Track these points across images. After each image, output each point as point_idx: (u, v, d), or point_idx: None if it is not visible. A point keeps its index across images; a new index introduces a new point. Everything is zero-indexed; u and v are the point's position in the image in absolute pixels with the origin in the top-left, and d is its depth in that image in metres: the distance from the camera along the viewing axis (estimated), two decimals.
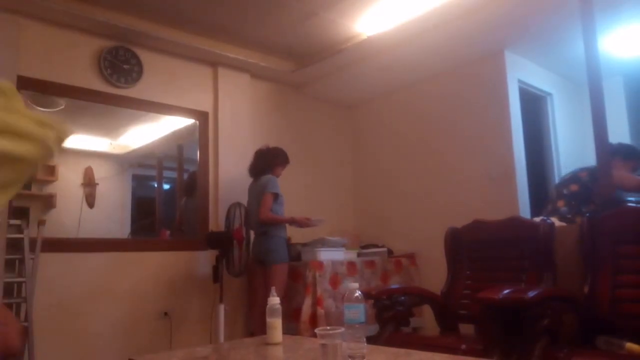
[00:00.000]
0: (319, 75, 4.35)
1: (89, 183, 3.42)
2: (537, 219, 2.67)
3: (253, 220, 3.54)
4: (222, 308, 3.38)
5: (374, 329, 2.70)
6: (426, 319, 3.61)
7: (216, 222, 3.82)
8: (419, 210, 4.25)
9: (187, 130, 3.96)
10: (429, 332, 3.51)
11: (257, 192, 3.52)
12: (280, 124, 4.47)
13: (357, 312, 1.52)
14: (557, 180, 4.09)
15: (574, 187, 3.13)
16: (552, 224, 2.57)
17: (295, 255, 3.72)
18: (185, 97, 3.85)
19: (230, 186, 3.91)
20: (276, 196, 3.47)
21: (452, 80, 4.12)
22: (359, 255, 3.99)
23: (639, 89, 4.40)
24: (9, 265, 2.82)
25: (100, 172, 3.50)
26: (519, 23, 3.40)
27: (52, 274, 3.03)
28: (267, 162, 3.61)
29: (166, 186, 4.12)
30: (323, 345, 1.45)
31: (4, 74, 2.89)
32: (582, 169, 3.19)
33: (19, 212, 3.00)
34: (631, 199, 2.90)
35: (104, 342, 3.22)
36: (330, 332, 1.45)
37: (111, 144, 3.69)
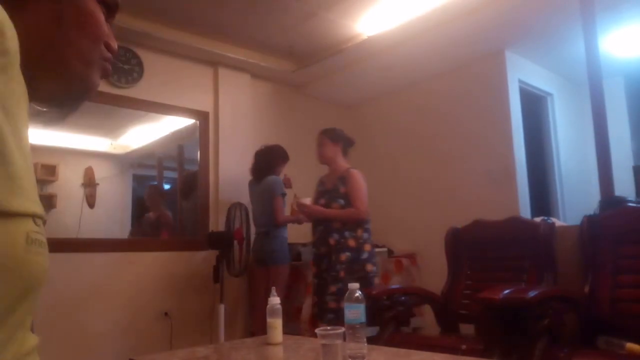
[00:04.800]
0: (319, 75, 4.35)
1: (90, 183, 3.42)
2: (538, 219, 2.67)
3: (260, 221, 3.54)
4: (222, 308, 3.38)
5: (374, 329, 2.70)
6: (426, 319, 3.60)
7: (216, 222, 3.82)
8: (420, 210, 4.24)
9: (188, 130, 3.96)
10: (429, 332, 3.51)
11: (262, 194, 3.52)
12: (280, 124, 4.47)
13: (358, 312, 1.52)
14: (557, 180, 4.09)
15: None
16: (553, 224, 2.57)
17: (296, 255, 3.71)
18: (185, 97, 3.85)
19: (231, 186, 3.90)
20: (283, 197, 3.49)
21: (452, 80, 4.12)
22: None
23: (639, 89, 4.40)
24: None
25: (101, 172, 3.50)
26: (519, 23, 3.40)
27: (52, 274, 2.98)
28: (268, 162, 3.61)
29: (166, 186, 4.12)
30: (324, 345, 1.45)
31: None
32: None
33: None
34: (631, 199, 2.90)
35: (104, 342, 3.22)
36: (331, 332, 1.45)
37: (112, 144, 3.70)
